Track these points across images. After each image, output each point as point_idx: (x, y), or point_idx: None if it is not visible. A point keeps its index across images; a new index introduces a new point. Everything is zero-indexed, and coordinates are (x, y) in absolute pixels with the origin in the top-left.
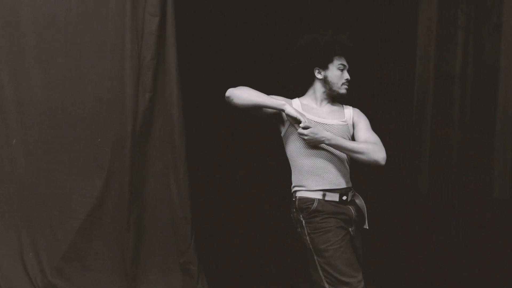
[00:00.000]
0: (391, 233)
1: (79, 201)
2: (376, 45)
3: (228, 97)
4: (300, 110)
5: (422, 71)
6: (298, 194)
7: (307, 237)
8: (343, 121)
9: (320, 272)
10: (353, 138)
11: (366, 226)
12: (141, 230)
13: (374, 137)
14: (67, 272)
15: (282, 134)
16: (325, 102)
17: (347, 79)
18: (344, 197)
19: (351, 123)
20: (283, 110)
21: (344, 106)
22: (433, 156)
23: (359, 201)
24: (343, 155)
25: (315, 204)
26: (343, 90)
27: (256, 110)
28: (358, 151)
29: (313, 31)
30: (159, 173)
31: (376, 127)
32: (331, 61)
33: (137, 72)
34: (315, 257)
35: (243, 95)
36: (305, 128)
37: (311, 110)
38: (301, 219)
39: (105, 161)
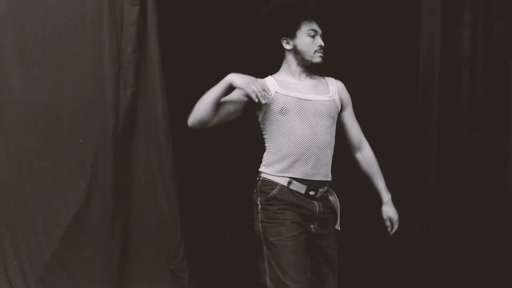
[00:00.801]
0: (400, 230)
1: (62, 206)
2: (376, 31)
3: (192, 124)
4: (276, 88)
5: (427, 55)
6: (263, 175)
7: (259, 224)
8: (329, 96)
9: (266, 264)
10: (339, 118)
11: (338, 227)
12: (127, 236)
13: (361, 134)
14: (51, 282)
15: (259, 118)
16: (304, 76)
17: (320, 46)
18: (312, 192)
19: (338, 98)
20: (231, 84)
21: (326, 78)
22: (441, 148)
23: (333, 198)
24: (328, 141)
25: (275, 191)
26: (316, 58)
27: (224, 111)
28: None
29: None
30: (144, 174)
31: (379, 119)
32: (298, 27)
33: (118, 67)
34: (264, 247)
35: (198, 107)
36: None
37: (290, 86)
38: (258, 203)
39: (88, 163)
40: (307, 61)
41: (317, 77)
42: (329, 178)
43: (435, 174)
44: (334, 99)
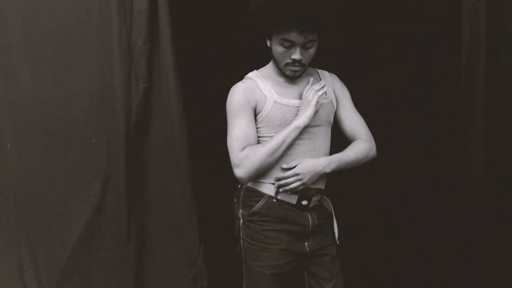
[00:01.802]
0: (444, 224)
1: (77, 208)
2: (414, 15)
3: (242, 178)
4: (274, 96)
5: (470, 32)
6: (248, 184)
7: (241, 241)
8: (325, 98)
9: (244, 284)
10: (335, 117)
11: (336, 240)
12: (143, 241)
13: (360, 119)
14: None
15: (258, 116)
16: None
17: (293, 60)
18: (304, 202)
19: (334, 96)
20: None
21: (319, 72)
22: (488, 135)
23: (328, 206)
24: (326, 146)
25: (260, 204)
26: (288, 71)
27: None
28: (358, 162)
29: None
30: (159, 175)
31: (429, 121)
32: (272, 32)
33: (128, 60)
34: (244, 266)
35: (264, 166)
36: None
37: (286, 91)
38: (239, 216)
39: (101, 164)
40: (281, 69)
41: (310, 70)
42: (323, 186)
43: (481, 170)
44: (330, 100)
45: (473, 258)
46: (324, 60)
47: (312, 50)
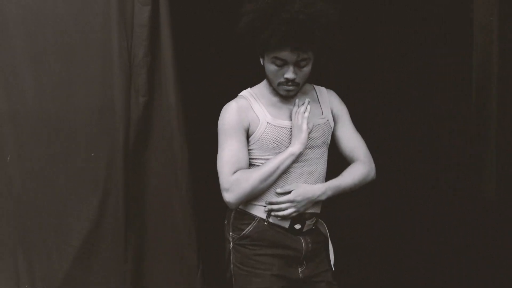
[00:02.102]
0: (456, 242)
1: (75, 224)
2: (425, 22)
3: (231, 204)
4: (268, 117)
5: (482, 46)
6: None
7: (231, 265)
8: (321, 118)
9: None
10: (332, 136)
11: (332, 266)
12: (141, 260)
13: (359, 139)
14: None
15: (250, 137)
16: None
17: (286, 79)
18: (297, 226)
19: (331, 116)
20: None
21: (316, 88)
22: (500, 152)
23: (323, 228)
24: (321, 169)
25: (250, 227)
26: (281, 91)
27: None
28: (355, 187)
29: None
30: (159, 191)
31: (429, 121)
32: (264, 50)
33: (128, 73)
34: None
35: (255, 192)
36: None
37: (280, 112)
38: (230, 239)
39: (100, 179)
40: (274, 89)
41: (307, 87)
42: (318, 210)
43: (493, 179)
44: (327, 120)
45: (473, 258)
46: (324, 61)
47: (306, 69)
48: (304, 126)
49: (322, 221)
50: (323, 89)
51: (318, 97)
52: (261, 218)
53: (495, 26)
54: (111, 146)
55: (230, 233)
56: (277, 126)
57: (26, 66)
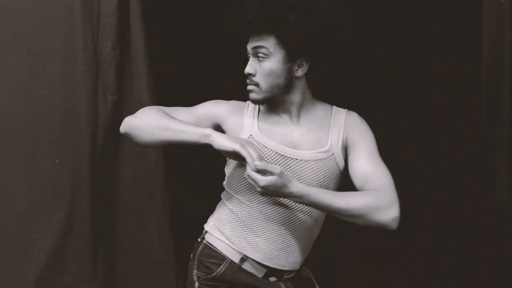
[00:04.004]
0: (467, 249)
1: (38, 241)
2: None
3: (126, 134)
4: (254, 129)
5: (493, 36)
6: (209, 239)
7: None
8: (323, 152)
9: None
10: (346, 168)
11: None
12: (112, 281)
13: (379, 172)
14: None
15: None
16: (299, 108)
17: (246, 74)
18: (272, 279)
19: (341, 146)
20: (210, 145)
21: (333, 110)
22: None
23: (307, 274)
24: (312, 228)
25: (221, 269)
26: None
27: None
28: (350, 213)
29: None
30: (131, 203)
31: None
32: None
33: (95, 69)
34: None
35: (145, 126)
36: (260, 171)
37: (275, 128)
38: (194, 278)
39: (66, 190)
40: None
41: (319, 106)
42: (299, 266)
43: (506, 183)
44: (332, 155)
45: (473, 258)
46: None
47: (266, 65)
48: (244, 153)
49: (306, 269)
50: (342, 112)
51: (331, 123)
52: (233, 262)
53: (507, 18)
54: (77, 152)
55: (194, 271)
56: (259, 143)
57: None
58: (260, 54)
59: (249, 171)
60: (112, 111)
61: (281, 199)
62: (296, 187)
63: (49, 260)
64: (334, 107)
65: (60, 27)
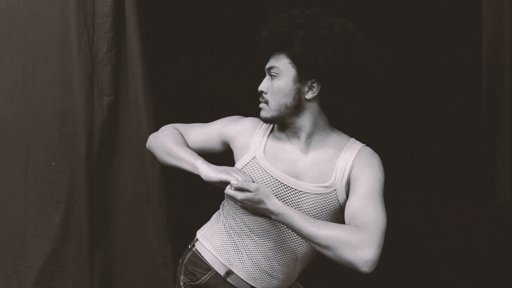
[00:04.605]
0: (468, 248)
1: (35, 244)
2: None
3: (149, 149)
4: (259, 151)
5: (492, 31)
6: (198, 247)
7: None
8: (324, 187)
9: None
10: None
11: None
12: (109, 284)
13: (368, 210)
14: None
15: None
16: (304, 135)
17: (259, 92)
18: None
19: (345, 182)
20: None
21: (348, 143)
22: None
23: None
24: (303, 259)
25: (205, 278)
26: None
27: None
28: (319, 242)
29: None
30: (128, 206)
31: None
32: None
33: (90, 70)
34: None
35: (160, 146)
36: (238, 189)
37: (281, 153)
38: (181, 283)
39: (62, 192)
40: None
41: (334, 137)
42: (290, 282)
43: (508, 182)
44: (334, 190)
45: (474, 258)
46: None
47: (276, 83)
48: (231, 176)
49: (297, 283)
50: (356, 147)
51: (340, 156)
52: (218, 272)
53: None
54: (74, 154)
55: (181, 276)
56: (261, 167)
57: None
58: (272, 73)
59: (227, 189)
60: (108, 112)
61: (275, 222)
62: (274, 204)
63: (46, 263)
64: (351, 140)
65: (55, 29)
